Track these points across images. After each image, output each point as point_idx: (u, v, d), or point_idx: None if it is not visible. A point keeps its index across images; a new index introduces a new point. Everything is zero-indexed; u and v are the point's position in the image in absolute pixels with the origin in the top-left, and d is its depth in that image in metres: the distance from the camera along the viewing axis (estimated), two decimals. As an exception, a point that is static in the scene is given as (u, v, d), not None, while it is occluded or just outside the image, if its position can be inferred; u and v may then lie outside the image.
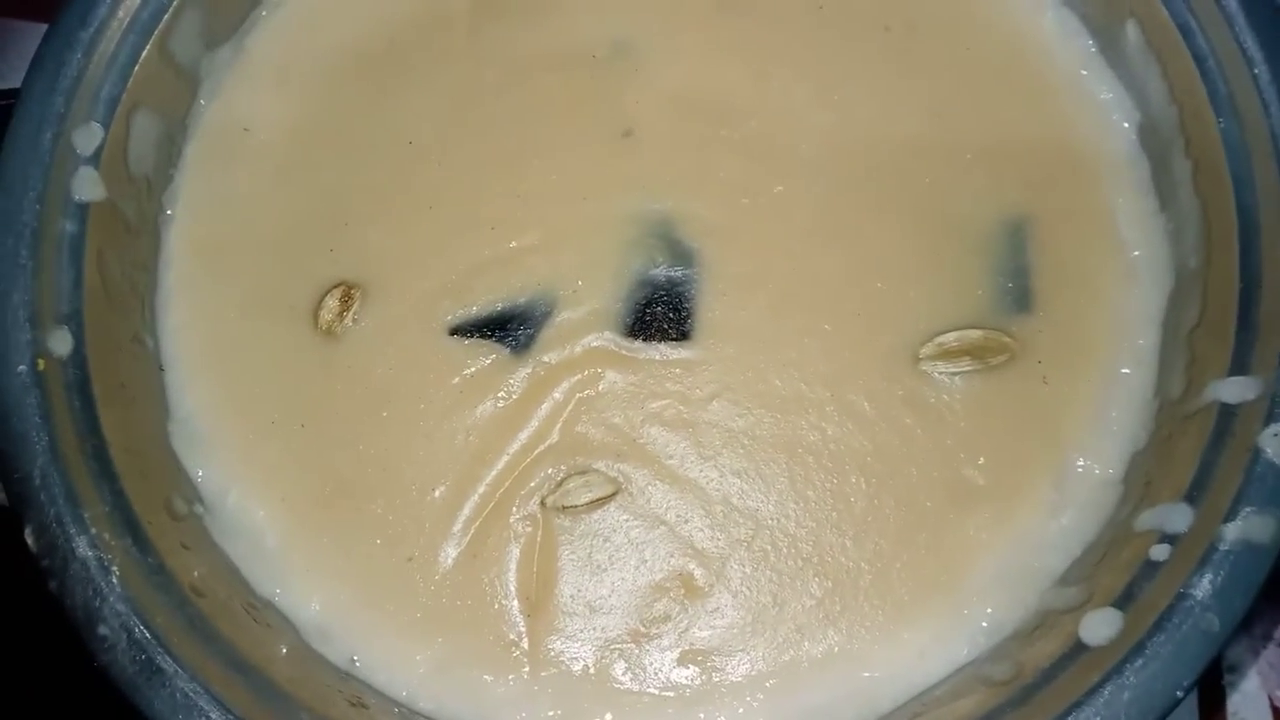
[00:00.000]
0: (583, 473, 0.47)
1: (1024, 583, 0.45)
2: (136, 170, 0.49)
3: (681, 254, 0.49)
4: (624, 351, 0.48)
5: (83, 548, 0.42)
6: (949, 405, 0.47)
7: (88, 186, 0.47)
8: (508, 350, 0.48)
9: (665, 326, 0.48)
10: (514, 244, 0.49)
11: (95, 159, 0.47)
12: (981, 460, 0.47)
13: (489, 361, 0.48)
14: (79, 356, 0.45)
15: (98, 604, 0.41)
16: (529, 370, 0.48)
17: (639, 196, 0.49)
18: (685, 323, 0.48)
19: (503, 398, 0.48)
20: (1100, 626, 0.41)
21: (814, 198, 0.49)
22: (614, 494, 0.47)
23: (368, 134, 0.51)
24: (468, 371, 0.48)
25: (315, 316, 0.49)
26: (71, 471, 0.43)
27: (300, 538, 0.47)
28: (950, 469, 0.47)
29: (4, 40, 0.60)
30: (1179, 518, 0.42)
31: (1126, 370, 0.48)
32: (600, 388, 0.48)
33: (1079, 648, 0.41)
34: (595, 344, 0.48)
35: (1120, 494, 0.46)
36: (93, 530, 0.42)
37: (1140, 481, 0.45)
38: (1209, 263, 0.46)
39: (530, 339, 0.48)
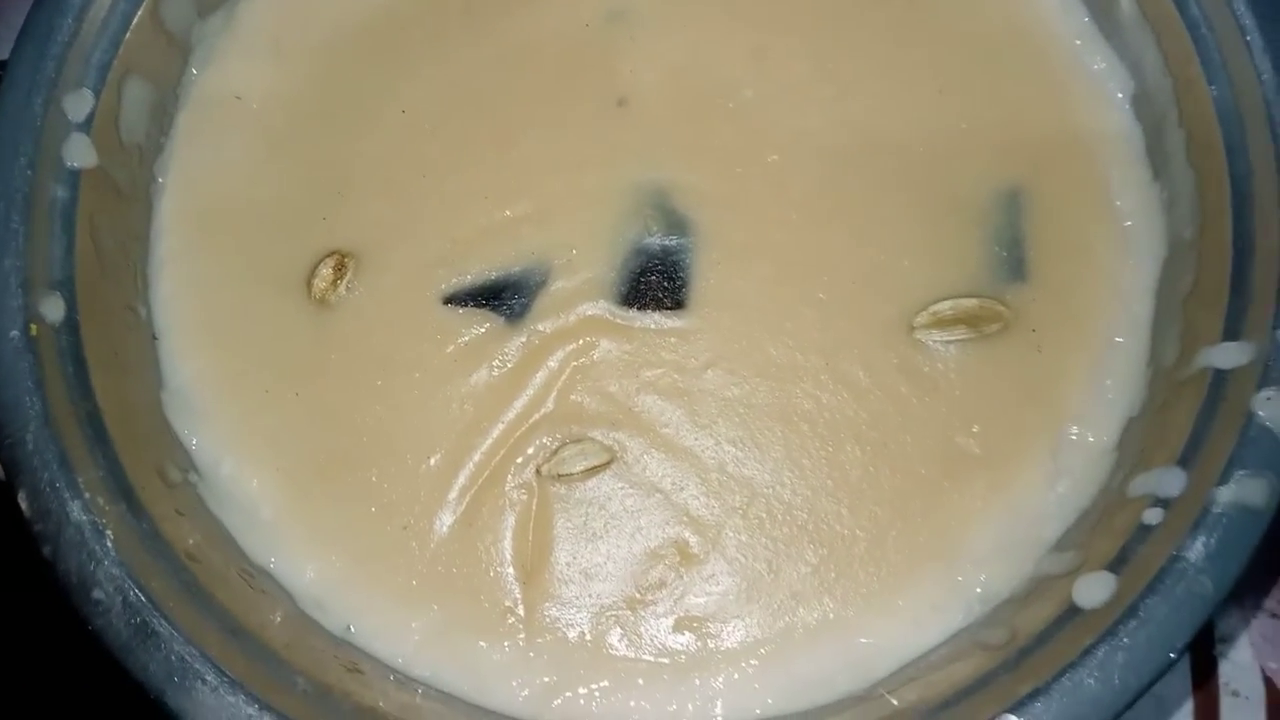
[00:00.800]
0: (578, 441, 0.47)
1: (1019, 549, 0.46)
2: (128, 138, 0.48)
3: (676, 223, 0.49)
4: (619, 320, 0.48)
5: (76, 512, 0.42)
6: (944, 374, 0.47)
7: (80, 152, 0.46)
8: (502, 319, 0.48)
9: (660, 295, 0.48)
10: (508, 213, 0.49)
11: (87, 125, 0.47)
12: (976, 428, 0.47)
13: (483, 330, 0.48)
14: (71, 323, 0.45)
15: (92, 568, 0.41)
16: (523, 339, 0.48)
17: (634, 165, 0.49)
18: (680, 291, 0.48)
19: (497, 366, 0.48)
20: (1093, 589, 0.41)
21: (810, 167, 0.49)
22: (609, 462, 0.47)
23: (361, 103, 0.50)
24: (462, 340, 0.48)
25: (309, 285, 0.48)
26: (65, 437, 0.43)
27: (295, 506, 0.47)
28: (945, 437, 0.47)
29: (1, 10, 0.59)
30: (1172, 482, 0.42)
31: (1120, 339, 0.48)
32: (595, 356, 0.48)
33: (1072, 611, 0.41)
34: (590, 312, 0.48)
35: (1114, 461, 0.46)
36: (86, 495, 0.42)
37: (1135, 448, 0.45)
38: (1203, 232, 0.46)
39: (525, 308, 0.48)
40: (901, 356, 0.47)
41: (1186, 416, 0.43)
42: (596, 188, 0.49)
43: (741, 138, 0.49)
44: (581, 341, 0.48)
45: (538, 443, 0.47)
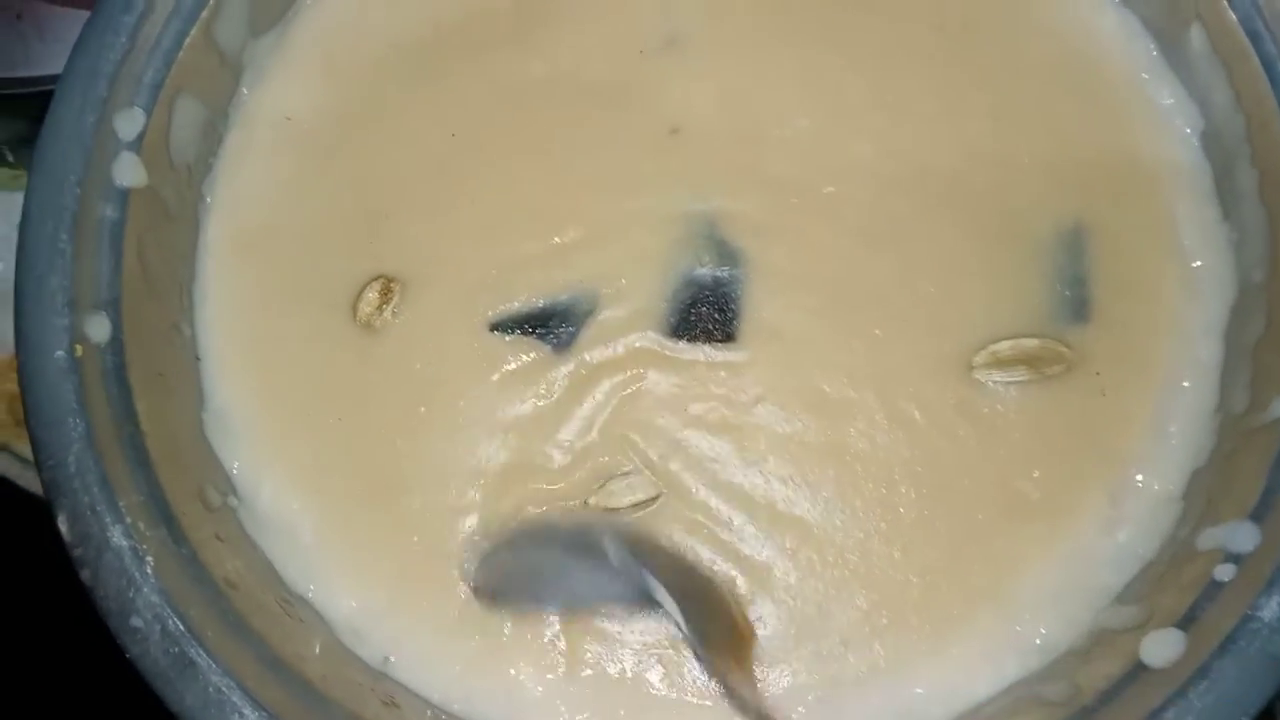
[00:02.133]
0: (625, 475, 0.46)
1: (1079, 600, 0.44)
2: (178, 157, 0.48)
3: (728, 254, 0.48)
4: (668, 352, 0.47)
5: (117, 537, 0.41)
6: (1003, 415, 0.46)
7: (129, 172, 0.46)
8: (549, 347, 0.47)
9: (710, 327, 0.47)
10: (556, 240, 0.48)
11: (137, 144, 0.46)
12: (1036, 473, 0.45)
13: (530, 359, 0.47)
14: (117, 343, 0.44)
15: (131, 595, 0.40)
16: (570, 368, 0.47)
17: (685, 194, 0.48)
18: (731, 324, 0.47)
19: (543, 395, 0.47)
20: (1162, 648, 0.39)
21: (865, 199, 0.48)
22: (656, 497, 0.46)
23: (410, 125, 0.50)
24: (508, 368, 0.47)
25: (354, 309, 0.48)
26: (107, 459, 0.42)
27: (335, 533, 0.46)
28: (1003, 481, 0.45)
29: (39, 25, 0.60)
30: (1245, 536, 0.40)
31: (1187, 383, 0.46)
32: (643, 388, 0.47)
33: (1139, 669, 0.40)
34: (639, 344, 0.47)
35: (1180, 511, 0.44)
36: (128, 520, 0.41)
37: (1202, 498, 0.44)
38: (1274, 275, 0.45)
39: (572, 337, 0.47)
40: (960, 396, 0.46)
41: (1259, 467, 0.42)
42: (647, 216, 0.48)
43: (795, 167, 0.48)
44: (630, 373, 0.47)
45: (583, 475, 0.46)
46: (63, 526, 0.41)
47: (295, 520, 0.46)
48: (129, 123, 0.46)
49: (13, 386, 0.50)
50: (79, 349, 0.44)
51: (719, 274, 0.48)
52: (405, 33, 0.51)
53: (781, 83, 0.50)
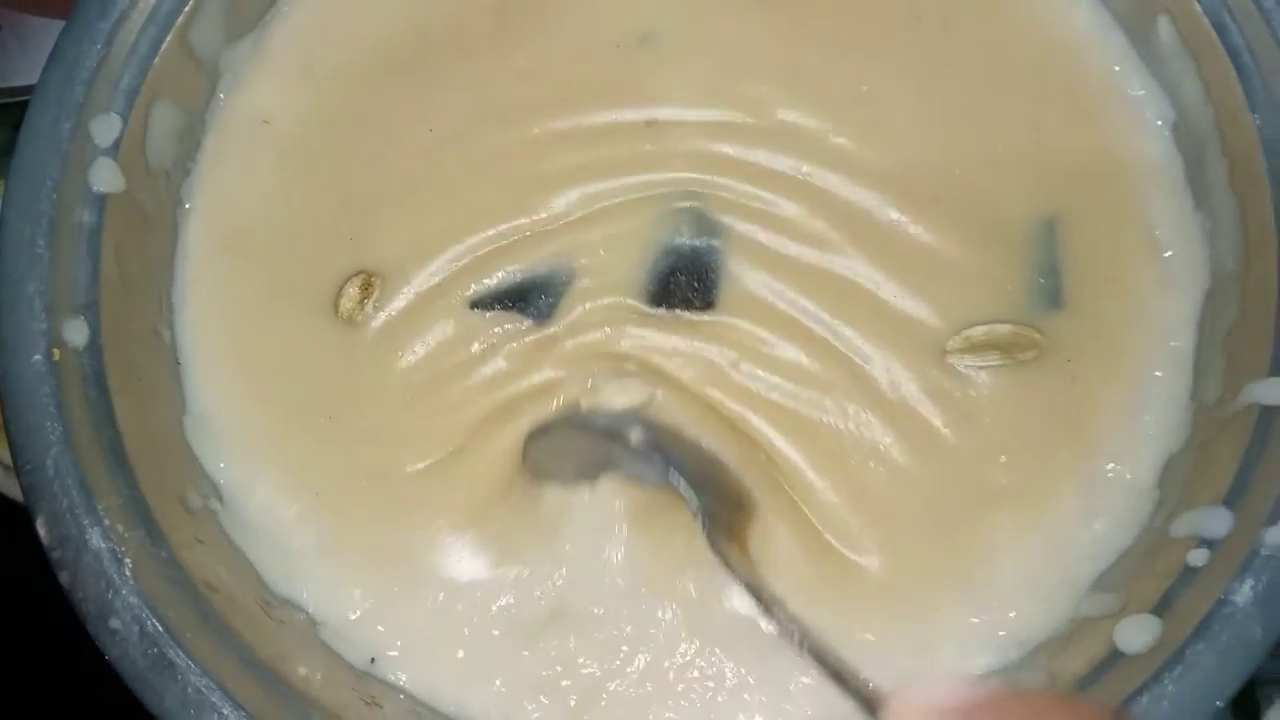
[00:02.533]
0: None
1: (1053, 590, 0.44)
2: (155, 162, 0.48)
3: (707, 225, 0.48)
4: (647, 317, 0.47)
5: (95, 539, 0.41)
6: (975, 401, 0.46)
7: (106, 177, 0.46)
8: (530, 320, 0.48)
9: (689, 295, 0.47)
10: (535, 227, 0.48)
11: (114, 150, 0.46)
12: (1004, 459, 0.46)
13: (511, 331, 0.47)
14: (94, 347, 0.44)
15: (110, 596, 0.41)
16: (552, 338, 0.47)
17: (663, 179, 0.49)
18: (710, 292, 0.47)
19: (528, 367, 0.47)
20: (1137, 634, 0.40)
21: (845, 187, 0.48)
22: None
23: (388, 122, 0.50)
24: (491, 343, 0.47)
25: (335, 306, 0.48)
26: (85, 462, 0.42)
27: (325, 534, 0.46)
28: (973, 466, 0.46)
29: (21, 36, 0.60)
30: (1218, 522, 0.41)
31: (1160, 373, 0.46)
32: (623, 352, 0.47)
33: (1115, 655, 0.40)
34: (618, 310, 0.47)
35: (1156, 499, 0.45)
36: (106, 522, 0.41)
37: (1177, 486, 0.44)
38: (1247, 264, 0.45)
39: (551, 307, 0.48)
40: (931, 380, 0.46)
41: (1232, 454, 0.42)
42: (625, 197, 0.48)
43: (774, 158, 0.49)
44: (609, 338, 0.47)
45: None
46: (41, 529, 0.41)
47: (282, 521, 0.46)
48: (105, 128, 0.46)
49: None
50: (57, 353, 0.44)
51: (698, 244, 0.48)
52: (383, 35, 0.51)
53: (758, 76, 0.50)
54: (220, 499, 0.47)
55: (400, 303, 0.48)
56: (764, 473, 0.46)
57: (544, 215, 0.49)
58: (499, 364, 0.47)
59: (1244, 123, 0.46)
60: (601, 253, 0.48)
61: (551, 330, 0.47)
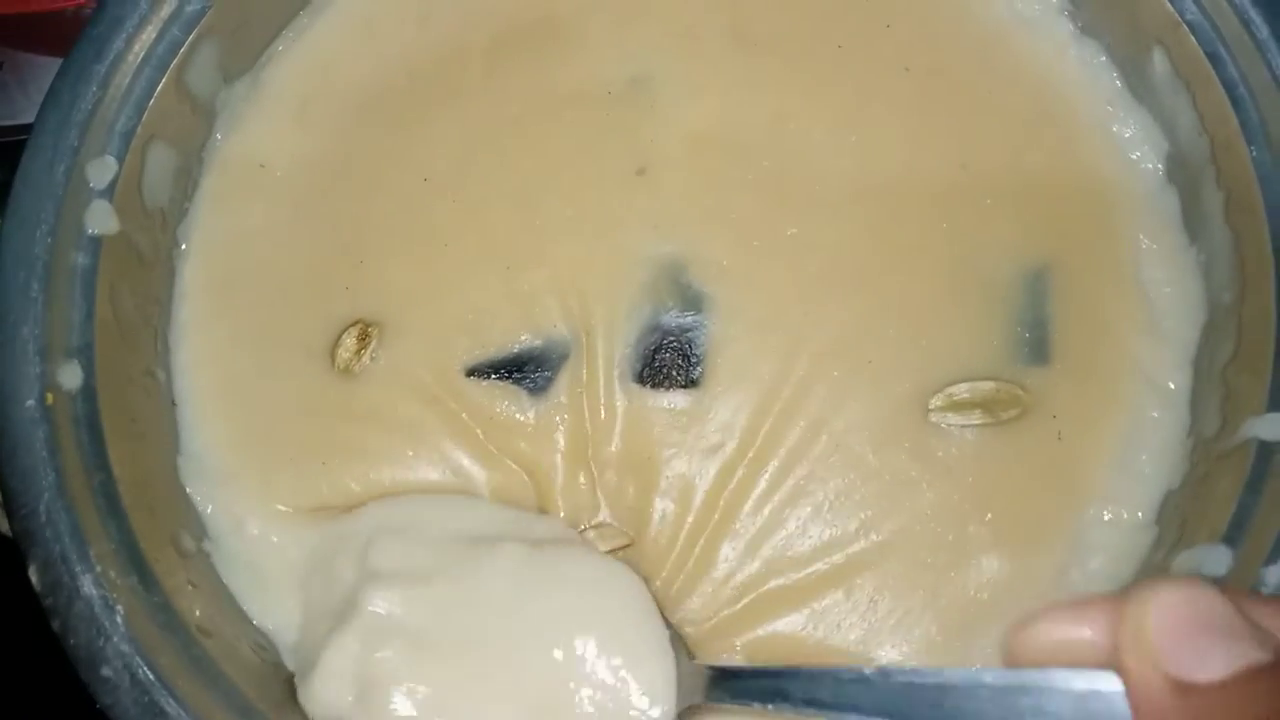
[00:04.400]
0: (596, 526, 0.46)
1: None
2: (151, 203, 0.48)
3: (692, 299, 0.48)
4: (634, 400, 0.47)
5: (87, 586, 0.41)
6: (958, 459, 0.46)
7: (101, 219, 0.46)
8: (525, 392, 0.47)
9: (674, 373, 0.47)
10: (527, 283, 0.48)
11: (109, 192, 0.46)
12: (988, 517, 0.45)
13: (506, 404, 0.47)
14: (89, 390, 0.44)
15: (101, 644, 0.40)
16: (544, 414, 0.47)
17: (652, 236, 0.48)
18: (694, 369, 0.47)
19: (519, 441, 0.47)
20: (1138, 674, 0.39)
21: (828, 241, 0.48)
22: (628, 545, 0.46)
23: (384, 170, 0.50)
24: (486, 414, 0.47)
25: (332, 355, 0.48)
26: (78, 508, 0.42)
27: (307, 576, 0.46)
28: (956, 525, 0.45)
29: (20, 75, 0.60)
30: (1218, 560, 0.40)
31: (1156, 414, 0.46)
32: (614, 435, 0.47)
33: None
34: (608, 391, 0.47)
35: (1154, 536, 0.44)
36: (98, 568, 0.41)
37: (1175, 522, 0.44)
38: (1243, 296, 0.45)
39: (547, 381, 0.47)
40: (915, 440, 0.46)
41: (1231, 490, 0.41)
42: (615, 259, 0.48)
43: (760, 209, 0.48)
44: (602, 419, 0.47)
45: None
46: (34, 576, 0.41)
47: (276, 564, 0.46)
48: (101, 171, 0.46)
49: None
50: (50, 397, 0.44)
51: (683, 320, 0.48)
52: (377, 79, 0.52)
53: (748, 123, 0.50)
54: (213, 541, 0.46)
55: (397, 357, 0.48)
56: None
57: (537, 272, 0.48)
58: (494, 447, 0.47)
59: (1239, 153, 0.45)
60: (594, 324, 0.48)
61: (544, 413, 0.47)
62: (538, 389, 0.47)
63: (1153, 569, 0.43)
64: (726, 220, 0.48)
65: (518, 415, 0.47)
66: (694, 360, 0.47)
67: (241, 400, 0.48)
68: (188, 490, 0.47)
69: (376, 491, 0.46)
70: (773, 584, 0.45)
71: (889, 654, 0.44)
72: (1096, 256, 0.48)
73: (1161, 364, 0.46)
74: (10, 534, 0.56)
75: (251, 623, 0.45)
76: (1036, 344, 0.47)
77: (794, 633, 0.45)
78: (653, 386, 0.47)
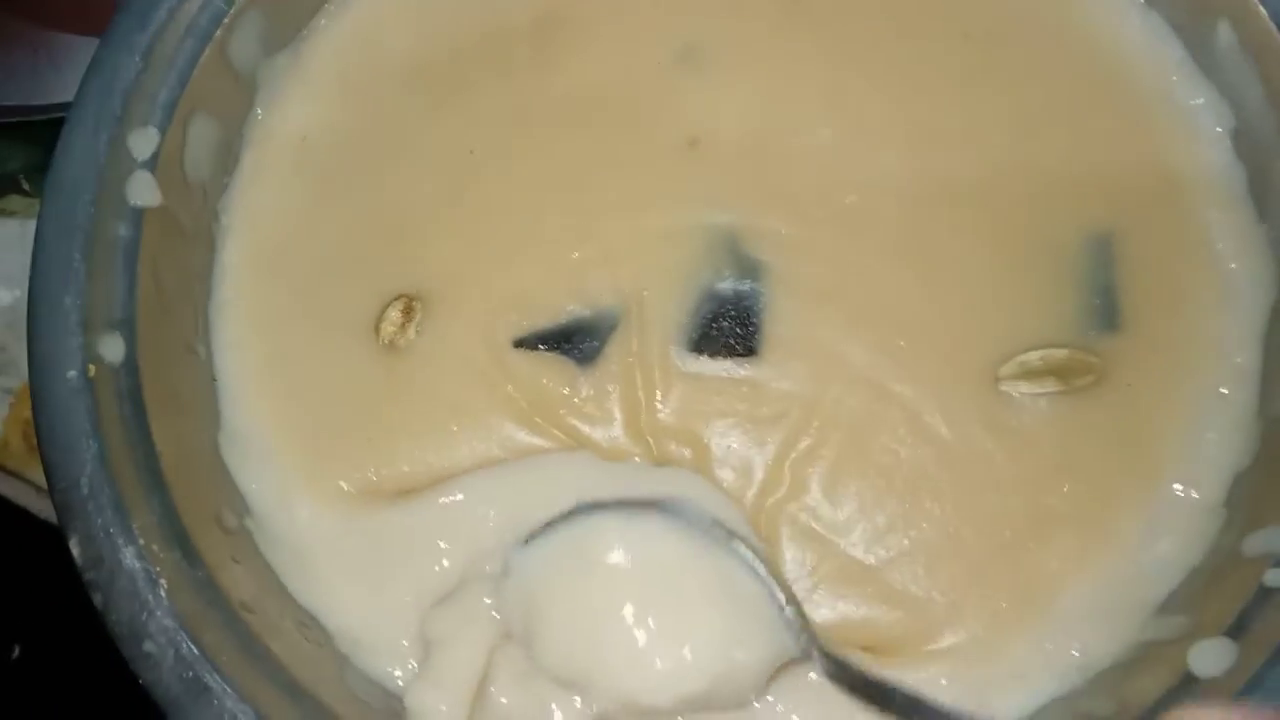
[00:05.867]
0: None
1: (1118, 614, 0.43)
2: (193, 176, 0.48)
3: (749, 267, 0.47)
4: (690, 368, 0.46)
5: (130, 559, 0.40)
6: (1031, 428, 0.45)
7: (143, 191, 0.45)
8: (573, 363, 0.46)
9: (732, 341, 0.46)
10: (576, 255, 0.47)
11: (151, 164, 0.46)
12: (1066, 488, 0.44)
13: (555, 375, 0.46)
14: (130, 363, 0.44)
15: (144, 618, 0.40)
16: (595, 384, 0.46)
17: (705, 208, 0.47)
18: (753, 338, 0.46)
19: (569, 413, 0.46)
20: (1212, 657, 0.38)
21: (889, 211, 0.47)
22: None
23: (428, 144, 0.49)
24: (534, 386, 0.46)
25: (377, 330, 0.47)
26: (120, 481, 0.41)
27: (363, 555, 0.45)
28: (1032, 496, 0.44)
29: (53, 54, 0.60)
30: None
31: (1225, 390, 0.45)
32: (668, 404, 0.46)
33: (1189, 680, 0.38)
34: (661, 359, 0.46)
35: (1224, 518, 0.43)
36: (141, 541, 0.40)
37: (1246, 504, 0.42)
38: (1314, 274, 0.44)
39: (595, 351, 0.46)
40: (986, 410, 0.45)
41: None
42: (667, 230, 0.47)
43: (816, 179, 0.48)
44: (654, 389, 0.46)
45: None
46: (75, 550, 0.41)
47: (319, 540, 0.45)
48: (143, 142, 0.46)
49: (28, 413, 0.50)
50: (92, 369, 0.43)
51: (740, 287, 0.47)
52: (420, 54, 0.51)
53: (800, 94, 0.49)
54: (254, 518, 0.46)
55: (443, 332, 0.47)
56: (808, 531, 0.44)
57: (587, 246, 0.47)
58: (544, 418, 0.46)
59: (1309, 129, 0.44)
60: (645, 293, 0.47)
61: (595, 383, 0.46)
62: (586, 359, 0.46)
63: (1223, 553, 0.42)
64: (783, 190, 0.47)
65: (565, 387, 0.46)
66: (752, 328, 0.46)
67: (284, 379, 0.48)
68: (229, 466, 0.46)
69: (424, 471, 0.45)
70: (843, 560, 0.44)
71: (966, 631, 0.43)
72: (1164, 226, 0.47)
73: (1231, 338, 0.45)
74: (41, 517, 0.55)
75: (295, 600, 0.44)
76: (1107, 310, 0.46)
77: (867, 613, 0.43)
78: (709, 355, 0.46)
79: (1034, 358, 0.45)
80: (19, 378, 0.63)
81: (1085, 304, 0.46)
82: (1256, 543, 0.41)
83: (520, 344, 0.47)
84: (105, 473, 0.41)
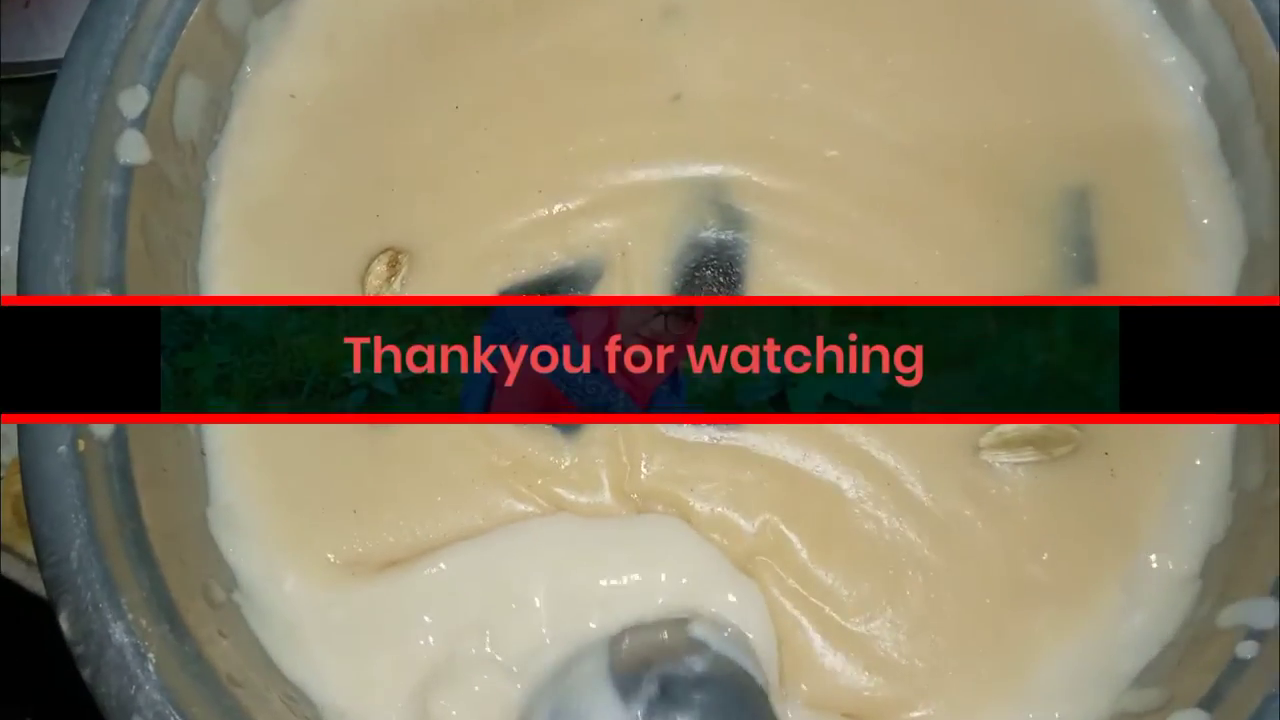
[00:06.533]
0: None
1: (1095, 685, 0.43)
2: (182, 135, 0.48)
3: (732, 218, 0.48)
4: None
5: (119, 633, 0.40)
6: (1011, 497, 0.45)
7: (133, 149, 0.46)
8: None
9: (715, 290, 0.47)
10: (560, 207, 0.48)
11: (141, 122, 0.46)
12: (1045, 556, 0.44)
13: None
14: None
15: (133, 691, 0.40)
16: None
17: (689, 160, 0.48)
18: (735, 287, 0.47)
19: (552, 480, 0.46)
20: (1188, 728, 0.39)
21: (869, 165, 0.48)
22: None
23: (414, 99, 0.50)
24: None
25: (363, 282, 0.48)
26: (109, 555, 0.41)
27: (349, 629, 0.45)
28: (1012, 565, 0.44)
29: (47, 11, 0.60)
30: (1266, 613, 0.40)
31: (1199, 462, 0.45)
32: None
33: (1165, 750, 0.39)
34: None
35: (1199, 589, 0.43)
36: (129, 616, 0.40)
37: (1220, 576, 0.43)
38: (1284, 231, 0.45)
39: (581, 300, 0.47)
40: (967, 478, 0.45)
41: (1275, 544, 0.41)
42: (651, 182, 0.48)
43: (799, 133, 0.48)
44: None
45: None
46: (64, 624, 0.40)
47: (307, 614, 0.45)
48: (133, 101, 0.46)
49: (16, 488, 0.49)
50: (82, 444, 0.42)
51: (723, 237, 0.47)
52: (408, 10, 0.51)
53: (783, 49, 0.50)
54: (243, 591, 0.45)
55: (428, 283, 0.48)
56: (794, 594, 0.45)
57: (570, 200, 0.48)
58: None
59: (1278, 87, 0.45)
60: (629, 244, 0.47)
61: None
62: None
63: (1198, 625, 0.43)
64: (765, 142, 0.48)
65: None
66: (735, 277, 0.47)
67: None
68: (217, 542, 0.46)
69: (410, 543, 0.46)
70: (826, 625, 0.44)
71: (946, 699, 0.43)
72: (1139, 181, 0.47)
73: (1206, 290, 0.46)
74: (32, 591, 0.55)
75: (282, 674, 0.44)
76: (1084, 264, 0.47)
77: (848, 679, 0.44)
78: None
79: (1011, 429, 0.45)
80: (9, 452, 0.63)
81: (1063, 256, 0.47)
82: (1231, 615, 0.41)
83: (505, 295, 0.47)
84: (94, 548, 0.41)
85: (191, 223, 0.49)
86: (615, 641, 0.42)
